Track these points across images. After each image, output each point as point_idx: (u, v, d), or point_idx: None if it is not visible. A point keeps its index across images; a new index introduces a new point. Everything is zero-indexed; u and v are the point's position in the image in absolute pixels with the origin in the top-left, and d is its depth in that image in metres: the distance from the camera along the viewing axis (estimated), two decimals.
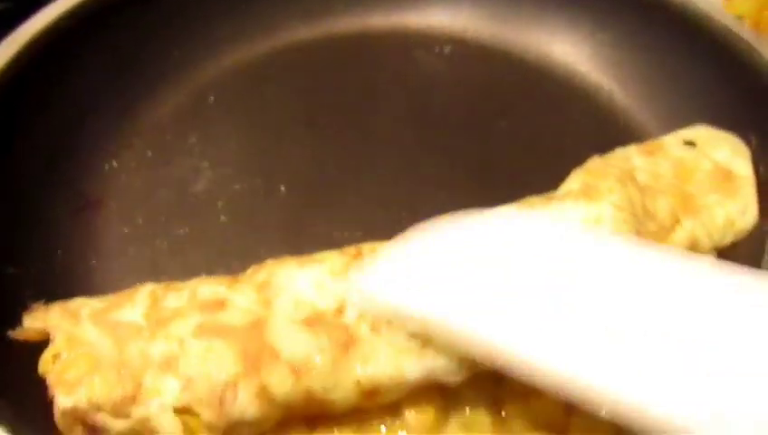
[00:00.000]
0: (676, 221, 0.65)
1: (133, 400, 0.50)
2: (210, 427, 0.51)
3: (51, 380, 0.50)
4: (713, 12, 0.78)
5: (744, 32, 0.75)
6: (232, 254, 0.69)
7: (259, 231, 0.73)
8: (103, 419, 0.49)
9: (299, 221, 0.73)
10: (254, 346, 0.53)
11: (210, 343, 0.53)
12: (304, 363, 0.53)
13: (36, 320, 0.55)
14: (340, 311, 0.56)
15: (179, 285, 0.59)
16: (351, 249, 0.61)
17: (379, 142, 0.81)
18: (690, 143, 0.73)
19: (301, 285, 0.57)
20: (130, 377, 0.51)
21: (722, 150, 0.72)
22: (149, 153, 0.80)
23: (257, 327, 0.54)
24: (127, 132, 0.81)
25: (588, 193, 0.63)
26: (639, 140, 0.77)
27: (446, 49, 0.92)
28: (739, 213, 0.67)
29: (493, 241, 0.56)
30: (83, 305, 0.57)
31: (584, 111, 0.85)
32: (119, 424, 0.50)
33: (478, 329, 0.51)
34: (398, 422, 0.56)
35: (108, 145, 0.79)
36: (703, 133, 0.74)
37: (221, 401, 0.51)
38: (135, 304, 0.56)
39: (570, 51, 0.89)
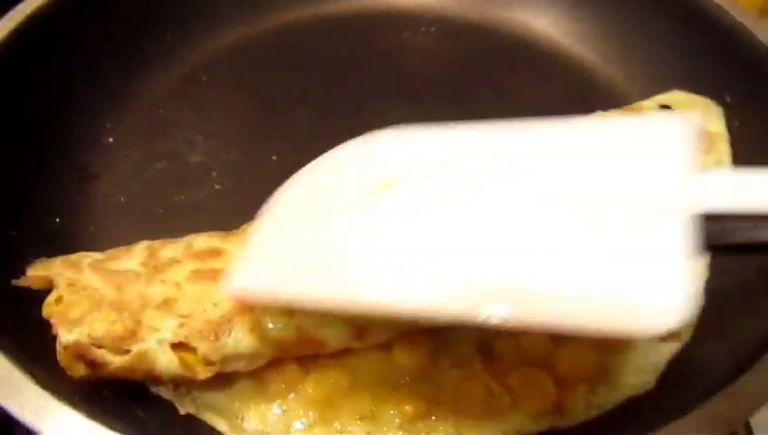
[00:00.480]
0: None
1: (133, 335, 0.52)
2: (206, 361, 0.53)
3: (54, 319, 0.52)
4: None
5: None
6: (227, 219, 0.70)
7: (253, 197, 0.72)
8: (103, 355, 0.51)
9: None
10: None
11: (205, 286, 0.55)
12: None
13: (39, 270, 0.57)
14: None
15: (175, 239, 0.61)
16: None
17: (369, 115, 0.83)
18: (666, 107, 0.77)
19: None
20: (130, 315, 0.53)
21: (695, 111, 0.75)
22: (145, 128, 0.82)
23: None
24: (123, 109, 0.83)
25: None
26: (620, 107, 0.80)
27: (433, 28, 0.95)
28: (714, 164, 0.70)
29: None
30: (84, 257, 0.59)
31: (566, 81, 0.88)
32: (118, 359, 0.52)
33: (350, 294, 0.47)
34: (389, 362, 0.58)
35: (104, 120, 0.82)
36: (678, 97, 0.78)
37: (216, 335, 0.53)
38: (133, 256, 0.59)
39: (550, 26, 0.92)
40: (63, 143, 0.77)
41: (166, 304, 0.54)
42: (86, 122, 0.80)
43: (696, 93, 0.77)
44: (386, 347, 0.58)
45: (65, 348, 0.51)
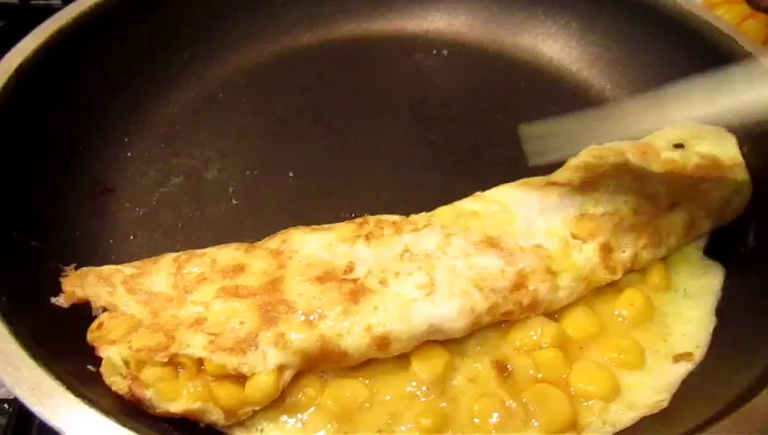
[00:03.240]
0: (675, 203, 0.69)
1: (165, 348, 0.55)
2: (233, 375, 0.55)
3: (96, 342, 0.56)
4: (694, 9, 0.83)
5: (723, 25, 0.81)
6: (244, 232, 0.71)
7: (270, 212, 0.76)
8: (150, 399, 0.54)
9: (308, 203, 0.77)
10: (271, 302, 0.58)
11: (231, 304, 0.58)
12: (317, 313, 0.57)
13: (74, 285, 0.59)
14: (349, 268, 0.61)
15: (199, 252, 0.63)
16: (358, 219, 0.66)
17: (381, 134, 0.85)
18: (679, 145, 0.77)
19: (312, 247, 0.62)
20: (164, 333, 0.56)
21: (705, 143, 0.76)
22: (162, 145, 0.84)
23: (273, 286, 0.59)
24: (140, 126, 0.85)
25: (584, 186, 0.69)
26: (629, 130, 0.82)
27: (444, 52, 0.97)
28: (734, 193, 0.71)
29: None
30: (115, 272, 0.61)
31: (574, 105, 0.88)
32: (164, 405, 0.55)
33: None
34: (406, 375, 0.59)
35: (122, 137, 0.83)
36: (688, 130, 0.78)
37: (243, 351, 0.55)
38: (160, 271, 0.61)
39: (560, 51, 0.94)
40: (82, 158, 0.78)
41: (197, 323, 0.57)
42: (105, 138, 0.81)
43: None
44: (403, 359, 0.59)
45: (106, 364, 0.54)
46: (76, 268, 0.62)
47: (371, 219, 0.66)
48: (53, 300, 0.60)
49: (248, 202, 0.77)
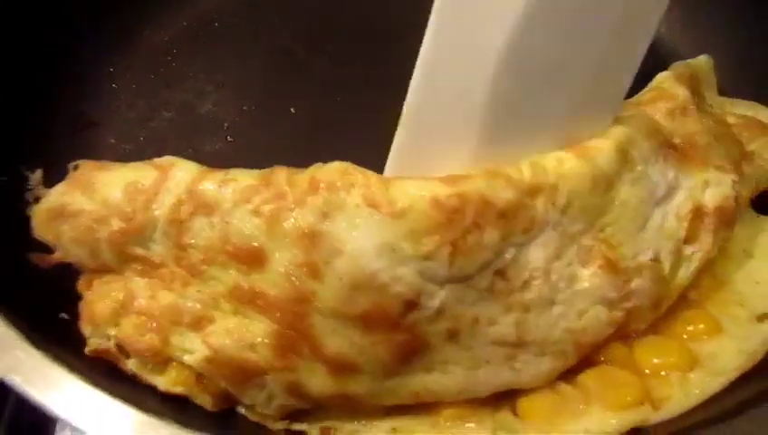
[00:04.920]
0: (740, 172, 0.58)
1: (158, 354, 0.48)
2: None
3: (81, 315, 0.50)
4: None
5: None
6: None
7: (267, 151, 0.68)
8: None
9: (312, 140, 0.70)
10: (294, 331, 0.45)
11: (244, 318, 0.46)
12: (350, 367, 0.44)
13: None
14: (413, 304, 0.43)
15: (221, 172, 0.51)
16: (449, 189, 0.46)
17: (392, 64, 0.77)
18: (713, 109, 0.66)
19: (364, 244, 0.43)
20: (159, 331, 0.47)
21: (740, 107, 0.67)
22: (151, 76, 0.76)
23: (300, 306, 0.44)
24: (128, 54, 0.77)
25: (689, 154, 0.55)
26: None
27: None
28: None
29: None
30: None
31: None
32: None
33: None
34: None
35: (108, 66, 0.76)
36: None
37: (244, 384, 0.46)
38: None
39: None
40: (64, 88, 0.71)
41: (198, 325, 0.47)
42: (89, 67, 0.74)
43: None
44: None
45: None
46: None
47: (471, 203, 0.44)
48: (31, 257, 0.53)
49: (245, 140, 0.71)
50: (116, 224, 0.48)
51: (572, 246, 0.47)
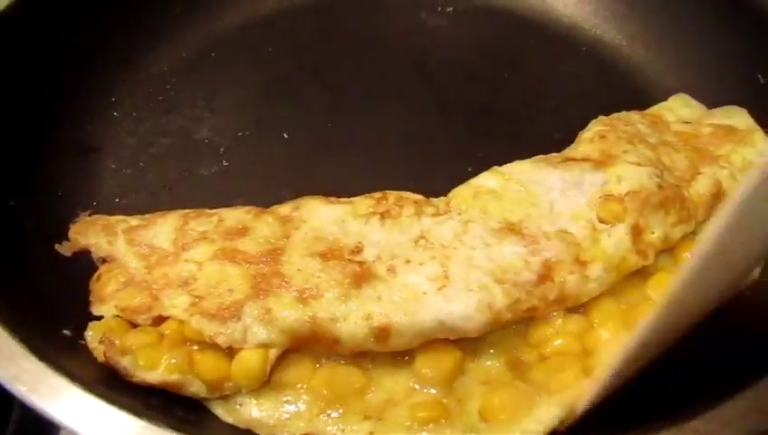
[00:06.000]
0: (696, 172, 0.65)
1: (148, 310, 0.54)
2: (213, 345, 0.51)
3: (93, 297, 0.56)
4: None
5: None
6: (234, 196, 0.67)
7: (262, 175, 0.72)
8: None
9: (305, 165, 0.73)
10: (266, 273, 0.54)
11: (224, 268, 0.54)
12: (313, 291, 0.52)
13: (78, 232, 0.60)
14: (358, 249, 0.56)
15: (209, 211, 0.60)
16: (377, 194, 0.61)
17: (383, 92, 0.81)
18: (686, 123, 0.73)
19: (323, 219, 0.58)
20: (150, 293, 0.54)
21: (716, 116, 0.72)
22: (150, 104, 0.80)
23: (272, 255, 0.55)
24: (128, 83, 0.81)
25: (603, 160, 0.63)
26: (644, 91, 0.78)
27: (449, 9, 0.91)
28: (756, 155, 0.66)
29: None
30: (121, 222, 0.60)
31: (587, 64, 0.84)
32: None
33: None
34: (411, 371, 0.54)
35: (109, 94, 0.79)
36: (696, 108, 0.74)
37: (224, 319, 0.51)
38: (165, 224, 0.58)
39: (573, 6, 0.89)
40: (67, 115, 0.74)
41: (185, 284, 0.54)
42: (91, 95, 0.77)
43: (727, 73, 0.73)
44: (408, 354, 0.54)
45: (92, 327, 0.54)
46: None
47: (391, 195, 0.60)
48: (57, 247, 0.59)
49: (240, 164, 0.73)
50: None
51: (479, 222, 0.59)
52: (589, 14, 0.88)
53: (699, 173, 0.64)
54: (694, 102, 0.75)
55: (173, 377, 0.51)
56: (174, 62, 0.83)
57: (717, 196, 0.64)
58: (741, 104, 0.71)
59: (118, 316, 0.54)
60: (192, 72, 0.83)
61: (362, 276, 0.54)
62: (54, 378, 0.46)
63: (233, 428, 0.53)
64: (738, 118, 0.71)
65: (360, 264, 0.55)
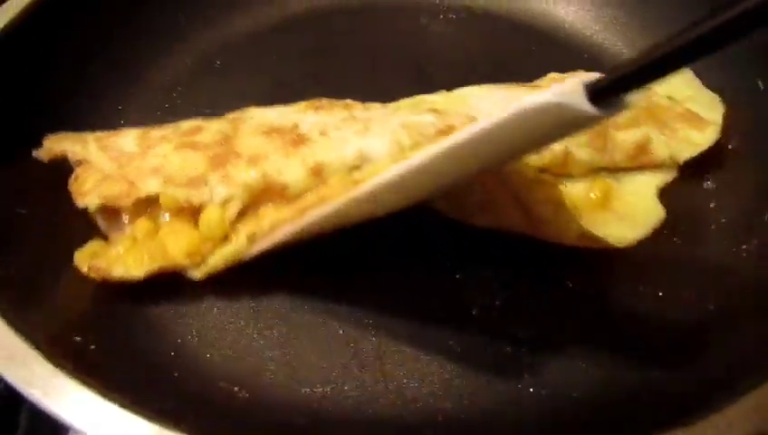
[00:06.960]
0: (635, 126, 0.70)
1: (127, 195, 0.62)
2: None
3: (74, 194, 0.64)
4: None
5: None
6: None
7: None
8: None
9: None
10: (222, 153, 0.65)
11: (186, 154, 0.65)
12: (260, 156, 0.63)
13: (52, 143, 0.66)
14: (295, 126, 0.67)
15: (164, 125, 0.69)
16: (315, 101, 0.72)
17: (386, 100, 0.81)
18: (671, 98, 0.75)
19: (266, 115, 0.70)
20: (127, 182, 0.63)
21: (697, 103, 0.75)
22: (158, 113, 0.80)
23: (226, 140, 0.66)
24: (134, 92, 0.82)
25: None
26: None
27: (452, 15, 0.93)
28: (698, 133, 0.71)
29: None
30: (89, 134, 0.68)
31: (588, 69, 0.84)
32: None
33: None
34: None
35: (116, 105, 0.80)
36: (687, 86, 0.77)
37: (195, 186, 0.62)
38: (130, 134, 0.68)
39: (574, 13, 0.90)
40: (74, 126, 0.74)
41: (156, 171, 0.63)
42: (98, 105, 0.78)
43: (727, 79, 0.74)
44: None
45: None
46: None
47: (324, 102, 0.71)
48: (34, 153, 0.65)
49: None
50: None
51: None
52: (589, 20, 0.89)
53: (637, 127, 0.70)
54: (696, 83, 0.77)
55: (159, 263, 0.60)
56: (179, 70, 0.85)
57: (642, 149, 0.69)
58: (740, 110, 0.72)
59: (95, 240, 0.63)
60: (197, 80, 0.84)
61: (299, 140, 0.65)
62: (67, 382, 0.46)
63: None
64: (713, 110, 0.74)
65: (298, 134, 0.66)
